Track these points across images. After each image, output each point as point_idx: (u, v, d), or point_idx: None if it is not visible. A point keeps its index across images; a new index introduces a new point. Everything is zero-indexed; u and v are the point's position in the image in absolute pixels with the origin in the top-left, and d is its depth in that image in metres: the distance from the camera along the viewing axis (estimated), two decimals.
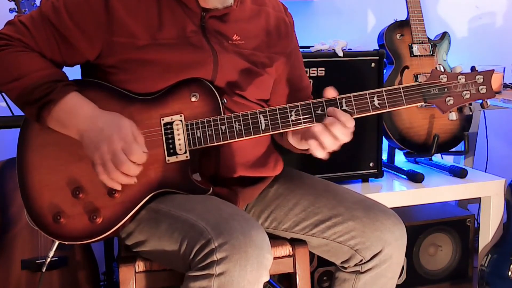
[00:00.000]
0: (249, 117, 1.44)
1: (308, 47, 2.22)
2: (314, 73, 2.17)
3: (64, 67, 1.52)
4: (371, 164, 2.30)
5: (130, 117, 1.43)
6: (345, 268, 1.56)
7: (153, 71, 1.47)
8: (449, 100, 1.44)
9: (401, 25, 2.44)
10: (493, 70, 1.45)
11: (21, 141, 1.50)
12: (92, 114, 1.42)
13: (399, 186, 2.34)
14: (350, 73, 2.21)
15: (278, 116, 1.44)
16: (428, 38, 2.46)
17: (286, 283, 2.06)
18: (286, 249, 1.60)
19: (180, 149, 1.45)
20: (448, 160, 2.77)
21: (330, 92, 1.43)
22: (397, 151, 2.56)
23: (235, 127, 1.44)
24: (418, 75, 2.40)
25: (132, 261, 1.52)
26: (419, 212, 2.54)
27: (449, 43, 2.51)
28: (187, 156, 1.45)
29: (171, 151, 1.46)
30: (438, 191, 2.33)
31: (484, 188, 2.38)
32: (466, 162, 2.72)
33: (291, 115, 1.44)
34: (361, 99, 1.43)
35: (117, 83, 1.49)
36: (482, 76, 1.44)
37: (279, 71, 1.65)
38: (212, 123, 1.45)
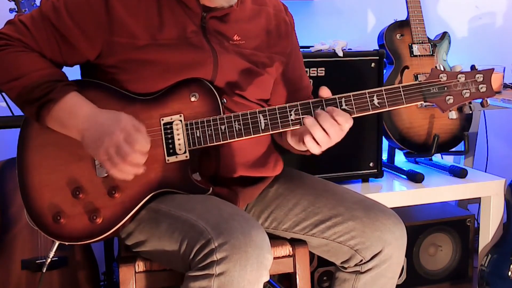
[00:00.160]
0: (249, 116, 1.44)
1: (308, 47, 2.22)
2: (314, 73, 2.17)
3: (64, 67, 1.52)
4: (371, 164, 2.30)
5: None
6: (345, 268, 1.56)
7: (153, 71, 1.47)
8: (449, 99, 1.44)
9: (401, 25, 2.44)
10: (493, 69, 1.45)
11: (21, 141, 1.50)
12: (92, 113, 1.42)
13: (399, 186, 2.34)
14: (350, 73, 2.21)
15: (278, 115, 1.44)
16: (428, 38, 2.46)
17: (286, 283, 2.06)
18: (286, 249, 1.60)
19: (179, 149, 1.45)
20: (448, 160, 2.76)
21: (324, 92, 1.43)
22: (397, 151, 2.56)
23: (235, 127, 1.44)
24: (418, 75, 2.40)
25: (132, 261, 1.52)
26: (419, 212, 2.54)
27: (449, 43, 2.51)
28: (186, 156, 1.45)
29: (171, 151, 1.46)
30: (438, 191, 2.33)
31: (484, 188, 2.38)
32: (466, 162, 2.72)
33: (291, 115, 1.43)
34: (360, 98, 1.43)
35: (117, 83, 1.49)
36: (482, 75, 1.44)
37: (279, 71, 1.65)
38: (211, 123, 1.45)
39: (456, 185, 2.36)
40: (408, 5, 2.43)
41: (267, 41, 1.61)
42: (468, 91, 1.44)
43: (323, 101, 1.43)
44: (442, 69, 1.44)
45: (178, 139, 1.46)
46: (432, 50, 2.45)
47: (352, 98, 1.43)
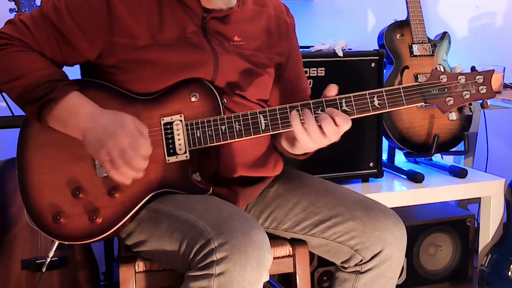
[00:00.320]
0: (249, 117, 1.44)
1: (308, 47, 2.22)
2: (314, 73, 2.17)
3: (64, 67, 1.52)
4: (371, 164, 2.30)
5: None
6: (345, 268, 1.56)
7: (154, 71, 1.47)
8: (449, 100, 1.44)
9: (401, 25, 2.45)
10: (493, 70, 1.45)
11: (21, 141, 1.50)
12: (93, 112, 1.42)
13: (399, 186, 2.34)
14: (350, 73, 2.21)
15: (278, 116, 1.44)
16: (428, 38, 2.46)
17: (286, 283, 2.06)
18: (286, 249, 1.60)
19: (180, 149, 1.45)
20: (448, 160, 2.77)
21: (331, 90, 1.43)
22: (397, 151, 2.56)
23: (235, 127, 1.44)
24: (418, 75, 2.40)
25: (132, 261, 1.52)
26: (419, 212, 2.54)
27: (449, 43, 2.51)
28: (187, 156, 1.45)
29: (171, 151, 1.46)
30: (438, 191, 2.33)
31: (484, 188, 2.38)
32: (466, 162, 2.72)
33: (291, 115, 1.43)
34: (361, 99, 1.43)
35: (118, 83, 1.49)
36: (482, 76, 1.44)
37: (278, 71, 1.65)
38: (212, 123, 1.45)
39: (456, 185, 2.36)
40: (408, 5, 2.44)
41: (267, 42, 1.61)
42: (468, 92, 1.44)
43: (324, 101, 1.43)
44: (442, 70, 1.44)
45: (179, 139, 1.46)
46: (432, 50, 2.45)
47: (352, 99, 1.43)
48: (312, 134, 1.39)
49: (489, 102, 1.45)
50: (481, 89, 1.43)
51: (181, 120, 1.46)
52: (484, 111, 2.79)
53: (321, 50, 2.19)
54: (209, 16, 1.52)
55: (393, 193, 2.27)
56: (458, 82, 1.44)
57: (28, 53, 1.45)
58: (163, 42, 1.47)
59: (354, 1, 2.86)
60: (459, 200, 2.79)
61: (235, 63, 1.54)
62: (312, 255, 1.92)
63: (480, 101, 1.45)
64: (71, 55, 1.49)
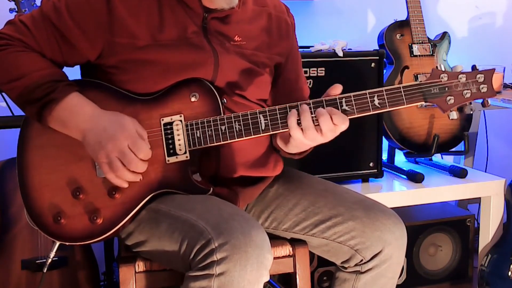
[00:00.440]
0: (249, 117, 1.44)
1: (308, 47, 2.22)
2: (314, 73, 2.17)
3: (64, 67, 1.52)
4: (371, 164, 2.30)
5: None
6: (345, 268, 1.56)
7: (154, 71, 1.47)
8: (450, 99, 1.44)
9: (401, 25, 2.45)
10: (494, 69, 1.45)
11: (21, 141, 1.50)
12: (94, 113, 1.42)
13: (399, 186, 2.34)
14: (350, 73, 2.21)
15: (278, 116, 1.44)
16: (428, 38, 2.46)
17: (286, 283, 2.06)
18: (286, 249, 1.60)
19: (180, 149, 1.45)
20: (448, 160, 2.77)
21: (335, 89, 1.43)
22: (397, 151, 2.56)
23: (235, 127, 1.44)
24: (418, 75, 2.40)
25: (132, 261, 1.52)
26: (419, 212, 2.54)
27: (449, 43, 2.51)
28: (187, 156, 1.45)
29: (171, 151, 1.46)
30: (438, 191, 2.33)
31: (484, 188, 2.38)
32: (466, 162, 2.72)
33: None
34: (361, 98, 1.43)
35: (118, 83, 1.49)
36: (483, 75, 1.44)
37: (278, 71, 1.65)
38: (212, 123, 1.45)
39: (456, 185, 2.36)
40: (408, 5, 2.44)
41: (267, 41, 1.61)
42: (469, 91, 1.43)
43: (324, 101, 1.43)
44: (443, 69, 1.44)
45: (178, 139, 1.46)
46: (432, 50, 2.45)
47: (352, 98, 1.43)
48: (306, 130, 1.39)
49: (489, 101, 1.45)
50: (482, 88, 1.43)
51: (181, 120, 1.46)
52: (484, 111, 2.79)
53: (321, 50, 2.19)
54: (209, 16, 1.52)
55: (393, 193, 2.27)
56: (459, 81, 1.43)
57: (28, 54, 1.45)
58: (163, 42, 1.47)
59: (354, 1, 2.86)
60: (459, 200, 2.79)
61: (235, 63, 1.54)
62: (312, 255, 1.92)
63: (481, 100, 1.45)
64: (71, 55, 1.48)
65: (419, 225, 2.43)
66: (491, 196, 2.37)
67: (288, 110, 1.43)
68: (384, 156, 2.51)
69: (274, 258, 1.48)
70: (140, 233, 1.47)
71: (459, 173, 2.41)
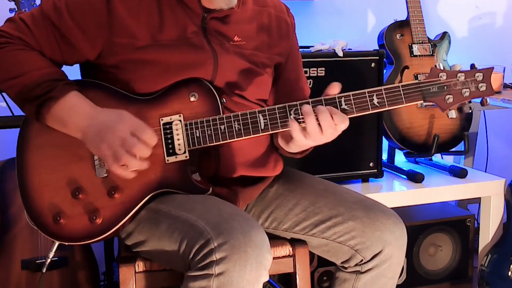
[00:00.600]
0: (248, 116, 1.44)
1: (308, 47, 2.22)
2: (314, 73, 2.17)
3: (64, 66, 1.52)
4: (371, 164, 2.30)
5: None
6: (346, 268, 1.56)
7: (153, 71, 1.47)
8: (449, 98, 1.44)
9: (401, 25, 2.45)
10: (493, 68, 1.45)
11: (21, 141, 1.50)
12: (92, 111, 1.42)
13: (399, 186, 2.34)
14: (350, 73, 2.21)
15: (277, 115, 1.44)
16: (428, 38, 2.46)
17: (286, 283, 2.06)
18: (286, 249, 1.60)
19: (179, 149, 1.45)
20: (448, 160, 2.77)
21: (334, 88, 1.43)
22: (397, 151, 2.56)
23: (234, 127, 1.44)
24: (418, 75, 2.40)
25: (132, 261, 1.52)
26: (419, 212, 2.54)
27: (449, 43, 2.51)
28: (186, 156, 1.45)
29: (170, 151, 1.46)
30: (438, 191, 2.33)
31: (484, 188, 2.38)
32: (466, 162, 2.72)
33: (290, 114, 1.43)
34: (360, 97, 1.43)
35: (117, 83, 1.49)
36: (481, 74, 1.44)
37: (278, 71, 1.65)
38: (211, 123, 1.45)
39: (456, 185, 2.36)
40: (408, 5, 2.44)
41: (267, 41, 1.61)
42: (467, 90, 1.43)
43: (323, 100, 1.43)
44: (442, 68, 1.44)
45: (178, 139, 1.46)
46: (432, 50, 2.45)
47: (351, 97, 1.43)
48: (311, 132, 1.39)
49: (488, 100, 1.45)
50: (481, 87, 1.43)
51: (180, 120, 1.46)
52: (484, 111, 2.79)
53: (321, 50, 2.19)
54: (209, 16, 1.52)
55: (393, 193, 2.27)
56: (458, 80, 1.43)
57: (28, 52, 1.45)
58: (163, 42, 1.47)
59: (354, 1, 2.86)
60: (459, 200, 2.79)
61: (234, 63, 1.54)
62: (312, 255, 1.92)
63: (480, 99, 1.45)
64: (71, 55, 1.49)
65: (419, 225, 2.43)
66: (491, 196, 2.37)
67: (288, 109, 1.43)
68: (384, 156, 2.51)
69: (274, 258, 1.49)
70: (140, 233, 1.47)
71: (459, 173, 2.41)
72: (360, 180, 2.33)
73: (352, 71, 2.22)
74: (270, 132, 1.45)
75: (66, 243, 1.48)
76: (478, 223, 2.49)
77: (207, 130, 1.45)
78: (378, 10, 2.91)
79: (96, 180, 1.45)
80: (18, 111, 1.55)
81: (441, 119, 2.42)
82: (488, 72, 1.44)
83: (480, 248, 2.42)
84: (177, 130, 1.46)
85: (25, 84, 1.41)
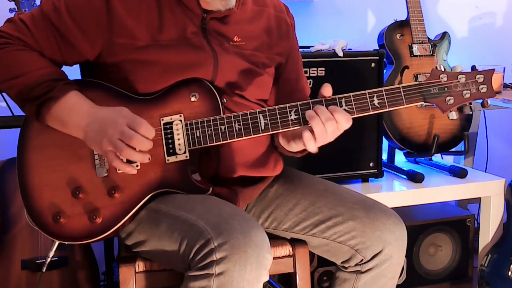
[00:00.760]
0: (249, 117, 1.44)
1: (308, 47, 2.22)
2: (314, 73, 2.17)
3: (64, 66, 1.52)
4: (371, 164, 2.30)
5: None
6: (346, 268, 1.56)
7: (153, 71, 1.47)
8: (449, 99, 1.44)
9: (401, 25, 2.45)
10: (494, 69, 1.45)
11: (21, 141, 1.50)
12: (92, 110, 1.42)
13: (399, 186, 2.34)
14: (350, 73, 2.21)
15: (278, 115, 1.44)
16: (428, 38, 2.46)
17: (286, 283, 2.06)
18: (286, 249, 1.60)
19: (179, 149, 1.45)
20: (448, 160, 2.77)
21: (326, 90, 1.43)
22: (397, 151, 2.56)
23: (235, 127, 1.44)
24: (418, 75, 2.40)
25: (132, 261, 1.52)
26: (419, 212, 2.54)
27: (449, 43, 2.51)
28: (186, 156, 1.45)
29: (171, 151, 1.46)
30: (438, 191, 2.33)
31: (484, 188, 2.38)
32: (466, 162, 2.72)
33: (291, 115, 1.43)
34: (360, 98, 1.43)
35: (117, 83, 1.49)
36: (482, 76, 1.44)
37: (278, 71, 1.65)
38: (211, 123, 1.45)
39: (456, 185, 2.36)
40: (408, 5, 2.44)
41: (267, 41, 1.61)
42: (468, 91, 1.43)
43: (323, 101, 1.43)
44: (443, 69, 1.44)
45: (178, 139, 1.46)
46: (432, 50, 2.45)
47: (352, 98, 1.43)
48: (317, 133, 1.39)
49: (489, 101, 1.45)
50: (482, 88, 1.43)
51: (180, 120, 1.46)
52: (484, 111, 2.79)
53: (321, 50, 2.19)
54: (208, 17, 1.52)
55: (393, 193, 2.27)
56: (458, 81, 1.44)
57: (28, 52, 1.45)
58: (163, 42, 1.48)
59: (354, 1, 2.86)
60: (459, 200, 2.79)
61: (234, 63, 1.54)
62: (312, 255, 1.92)
63: (481, 101, 1.45)
64: (71, 55, 1.49)
65: (419, 225, 2.43)
66: (491, 196, 2.37)
67: (288, 110, 1.43)
68: (384, 156, 2.51)
69: (274, 258, 1.49)
70: (140, 233, 1.47)
71: (459, 173, 2.41)
72: (360, 180, 2.33)
73: (352, 71, 2.22)
74: (271, 133, 1.45)
75: (66, 243, 1.48)
76: (478, 223, 2.49)
77: (208, 130, 1.45)
78: (378, 10, 2.91)
79: (96, 180, 1.46)
80: (18, 111, 1.55)
81: (441, 119, 2.42)
82: (489, 73, 1.44)
83: (480, 248, 2.42)
84: (177, 130, 1.46)
85: (25, 84, 1.41)
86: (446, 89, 1.44)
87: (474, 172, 2.53)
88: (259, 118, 1.44)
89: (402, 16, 2.47)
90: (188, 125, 1.45)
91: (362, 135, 2.28)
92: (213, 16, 1.52)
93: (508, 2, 3.13)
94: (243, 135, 1.44)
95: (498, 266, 2.31)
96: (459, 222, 2.48)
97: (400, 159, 2.62)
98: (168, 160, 1.45)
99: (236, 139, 1.45)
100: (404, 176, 2.41)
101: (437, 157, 2.69)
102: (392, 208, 1.57)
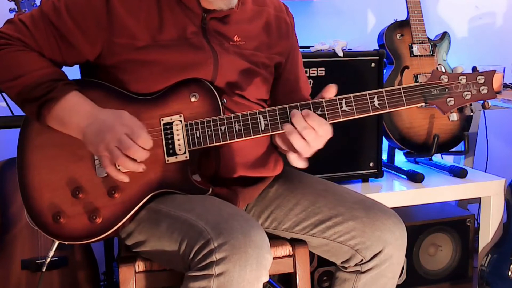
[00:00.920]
0: (249, 117, 1.44)
1: (308, 47, 2.22)
2: (314, 73, 2.17)
3: (64, 67, 1.52)
4: (371, 164, 2.30)
5: None
6: (346, 268, 1.56)
7: (153, 71, 1.47)
8: (450, 100, 1.44)
9: (401, 25, 2.45)
10: (495, 70, 1.45)
11: (21, 141, 1.50)
12: (92, 111, 1.42)
13: (399, 186, 2.34)
14: (350, 73, 2.21)
15: (278, 116, 1.44)
16: (428, 38, 2.46)
17: (286, 283, 2.06)
18: (286, 249, 1.60)
19: (179, 150, 1.45)
20: (448, 160, 2.77)
21: (330, 91, 1.43)
22: (397, 151, 2.56)
23: (235, 128, 1.44)
24: (418, 75, 2.40)
25: (132, 261, 1.52)
26: (419, 212, 2.54)
27: (449, 43, 2.51)
28: (186, 157, 1.45)
29: (171, 151, 1.46)
30: (438, 191, 2.33)
31: (484, 188, 2.38)
32: (466, 162, 2.73)
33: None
34: (361, 99, 1.43)
35: (117, 83, 1.49)
36: (483, 77, 1.44)
37: (278, 71, 1.65)
38: (211, 124, 1.45)
39: (456, 185, 2.36)
40: (408, 5, 2.44)
41: (267, 41, 1.61)
42: (469, 92, 1.43)
43: (324, 102, 1.43)
44: (443, 70, 1.44)
45: (178, 140, 1.46)
46: (432, 50, 2.45)
47: (352, 99, 1.43)
48: (299, 148, 1.40)
49: (490, 102, 1.45)
50: (482, 90, 1.43)
51: (180, 121, 1.46)
52: (484, 111, 2.79)
53: (321, 50, 2.19)
54: (208, 17, 1.52)
55: (393, 193, 2.27)
56: (459, 83, 1.43)
57: (28, 53, 1.45)
58: (163, 42, 1.47)
59: (354, 1, 2.86)
60: (459, 200, 2.79)
61: (235, 63, 1.54)
62: (312, 255, 1.92)
63: (481, 102, 1.45)
64: (71, 55, 1.49)
65: (419, 225, 2.43)
66: (491, 196, 2.37)
67: (288, 110, 1.43)
68: (384, 156, 2.51)
69: (274, 258, 1.49)
70: (140, 233, 1.47)
71: (459, 173, 2.41)
72: (360, 180, 2.33)
73: (352, 71, 2.22)
74: (271, 133, 1.45)
75: (66, 243, 1.48)
76: (478, 223, 2.49)
77: (208, 131, 1.45)
78: (378, 10, 2.91)
79: (96, 180, 1.46)
80: (18, 111, 1.55)
81: (441, 119, 2.42)
82: (489, 75, 1.44)
83: (480, 248, 2.42)
84: (177, 130, 1.46)
85: (26, 85, 1.41)
86: (446, 90, 1.44)
87: (474, 172, 2.53)
88: (259, 119, 1.44)
89: (402, 16, 2.47)
90: (188, 125, 1.45)
91: (362, 135, 2.28)
92: (213, 16, 1.52)
93: (508, 2, 3.13)
94: (243, 135, 1.44)
95: (498, 266, 2.31)
96: (459, 222, 2.48)
97: (400, 159, 2.62)
98: (168, 160, 1.45)
99: (236, 140, 1.45)
100: (404, 176, 2.41)
101: (437, 157, 2.69)
102: (392, 208, 1.57)
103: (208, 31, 1.52)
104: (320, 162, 2.10)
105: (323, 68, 2.18)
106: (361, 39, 2.72)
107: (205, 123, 1.45)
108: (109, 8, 1.45)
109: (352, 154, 2.28)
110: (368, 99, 1.43)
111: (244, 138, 1.45)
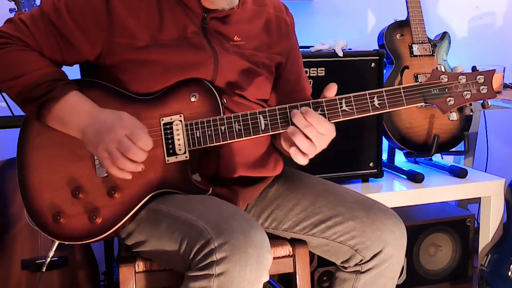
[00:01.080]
0: (249, 117, 1.44)
1: (308, 47, 2.22)
2: (314, 73, 2.17)
3: (64, 66, 1.52)
4: (371, 164, 2.30)
5: None
6: (345, 268, 1.56)
7: (154, 71, 1.47)
8: (450, 100, 1.44)
9: (401, 25, 2.45)
10: (494, 70, 1.45)
11: (21, 141, 1.50)
12: (93, 111, 1.42)
13: (399, 186, 2.34)
14: (350, 73, 2.21)
15: (278, 116, 1.44)
16: (428, 38, 2.46)
17: (286, 283, 2.06)
18: (286, 249, 1.60)
19: (179, 149, 1.45)
20: (448, 160, 2.77)
21: (331, 89, 1.43)
22: (397, 151, 2.56)
23: (235, 128, 1.44)
24: (418, 75, 2.40)
25: (132, 261, 1.52)
26: (419, 212, 2.54)
27: (449, 43, 2.51)
28: (186, 157, 1.45)
29: (171, 151, 1.46)
30: (438, 191, 2.33)
31: (484, 188, 2.38)
32: (466, 162, 2.72)
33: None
34: (361, 99, 1.43)
35: (117, 83, 1.49)
36: (483, 76, 1.44)
37: (278, 71, 1.65)
38: (211, 123, 1.45)
39: (456, 185, 2.36)
40: (408, 5, 2.44)
41: (267, 41, 1.61)
42: (469, 92, 1.43)
43: (324, 101, 1.43)
44: (443, 70, 1.44)
45: (178, 139, 1.46)
46: (432, 50, 2.45)
47: (352, 99, 1.43)
48: (304, 149, 1.39)
49: (489, 102, 1.45)
50: (482, 89, 1.43)
51: (180, 120, 1.46)
52: (484, 111, 2.79)
53: (321, 50, 2.19)
54: (209, 16, 1.52)
55: (393, 193, 2.27)
56: (459, 82, 1.43)
57: (28, 52, 1.45)
58: (163, 42, 1.47)
59: (354, 1, 2.86)
60: (459, 200, 2.79)
61: (235, 63, 1.54)
62: (312, 255, 1.92)
63: (481, 101, 1.45)
64: (71, 55, 1.49)
65: (419, 225, 2.43)
66: (491, 196, 2.37)
67: (288, 110, 1.43)
68: (384, 156, 2.51)
69: (274, 258, 1.49)
70: (140, 233, 1.47)
71: (459, 173, 2.41)
72: (360, 180, 2.33)
73: (352, 71, 2.22)
74: (271, 133, 1.45)
75: (66, 243, 1.48)
76: (478, 223, 2.49)
77: (208, 131, 1.45)
78: (378, 10, 2.91)
79: (96, 180, 1.46)
80: (18, 111, 1.55)
81: (441, 119, 2.42)
82: (489, 74, 1.44)
83: (480, 248, 2.42)
84: (177, 130, 1.46)
85: (26, 85, 1.41)
86: (446, 90, 1.44)
87: (474, 172, 2.53)
88: (259, 119, 1.44)
89: (402, 16, 2.47)
90: (188, 125, 1.45)
91: (362, 135, 2.28)
92: (214, 15, 1.53)
93: (508, 2, 3.13)
94: (243, 135, 1.44)
95: (498, 266, 2.31)
96: (459, 222, 2.48)
97: (400, 159, 2.62)
98: (168, 160, 1.45)
99: (236, 140, 1.45)
100: (404, 176, 2.41)
101: (437, 157, 2.69)
102: (392, 208, 1.57)
103: (208, 31, 1.52)
104: (320, 162, 2.10)
105: (323, 68, 2.18)
106: (361, 39, 2.72)
107: (205, 123, 1.45)
108: (109, 8, 1.45)
109: (352, 154, 2.28)
110: (368, 99, 1.43)
111: (244, 138, 1.45)
